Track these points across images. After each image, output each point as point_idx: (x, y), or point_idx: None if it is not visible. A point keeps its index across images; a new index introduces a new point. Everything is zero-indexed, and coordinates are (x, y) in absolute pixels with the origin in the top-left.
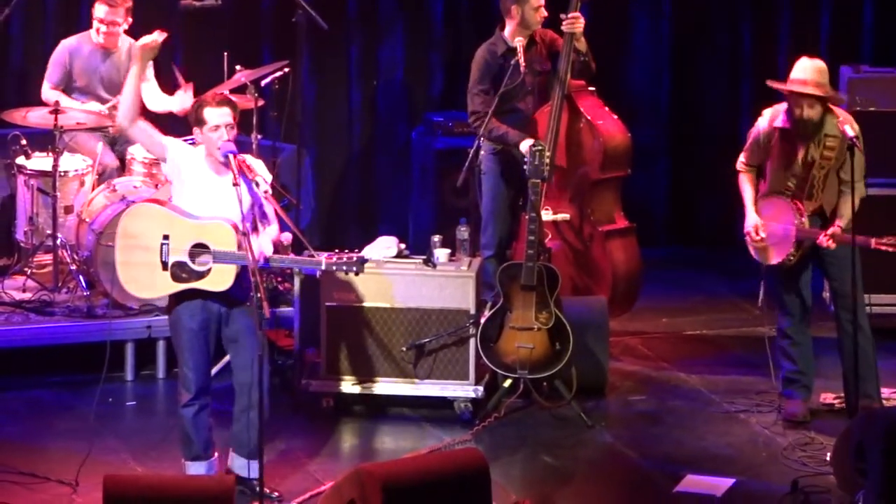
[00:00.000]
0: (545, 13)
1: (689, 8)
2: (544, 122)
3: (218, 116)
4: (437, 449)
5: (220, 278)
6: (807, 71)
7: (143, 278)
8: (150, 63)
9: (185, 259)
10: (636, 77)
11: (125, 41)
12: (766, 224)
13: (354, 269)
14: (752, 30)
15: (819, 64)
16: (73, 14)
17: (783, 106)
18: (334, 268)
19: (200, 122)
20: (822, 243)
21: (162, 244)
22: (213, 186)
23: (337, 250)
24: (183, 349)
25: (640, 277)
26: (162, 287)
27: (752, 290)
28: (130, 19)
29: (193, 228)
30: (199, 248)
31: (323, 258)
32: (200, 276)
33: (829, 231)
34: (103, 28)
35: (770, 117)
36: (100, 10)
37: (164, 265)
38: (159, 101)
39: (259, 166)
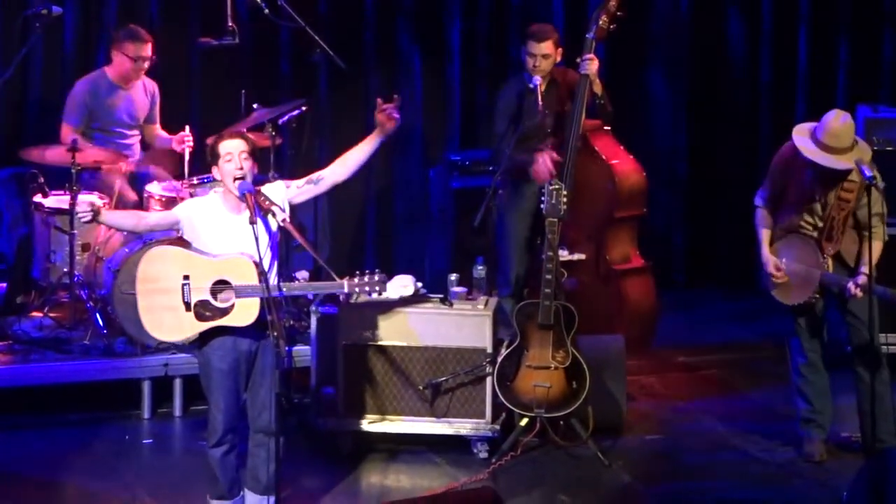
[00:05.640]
0: (538, 63)
1: (708, 44)
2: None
3: (231, 146)
4: (454, 488)
5: (244, 313)
6: (840, 138)
7: (169, 322)
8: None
9: (208, 297)
10: (654, 121)
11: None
12: (787, 263)
13: (377, 289)
14: (771, 67)
15: (846, 125)
16: (91, 52)
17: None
18: (357, 290)
19: (216, 157)
20: (851, 293)
21: (183, 285)
22: (230, 226)
23: (357, 273)
24: (212, 390)
25: (655, 316)
26: (188, 328)
27: (768, 329)
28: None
29: (213, 266)
30: (220, 285)
31: (345, 282)
32: (224, 312)
33: (860, 281)
34: (142, 64)
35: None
36: (140, 49)
37: (188, 306)
38: (162, 140)
39: (277, 191)
